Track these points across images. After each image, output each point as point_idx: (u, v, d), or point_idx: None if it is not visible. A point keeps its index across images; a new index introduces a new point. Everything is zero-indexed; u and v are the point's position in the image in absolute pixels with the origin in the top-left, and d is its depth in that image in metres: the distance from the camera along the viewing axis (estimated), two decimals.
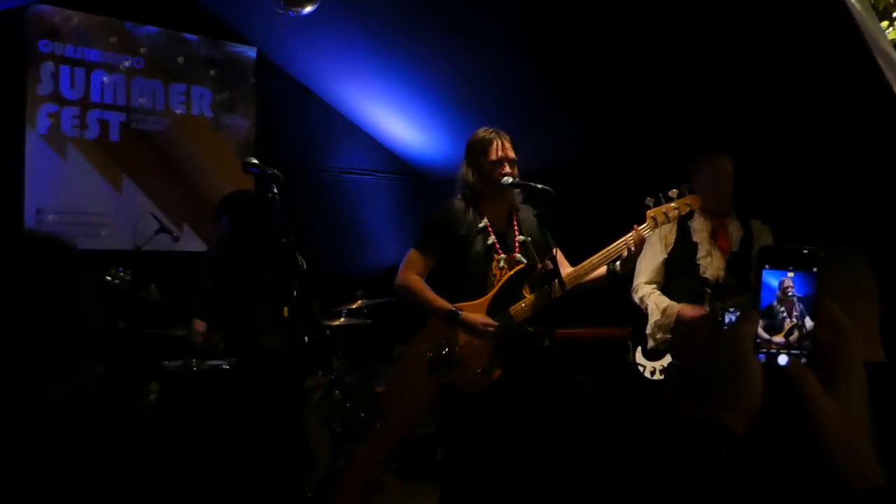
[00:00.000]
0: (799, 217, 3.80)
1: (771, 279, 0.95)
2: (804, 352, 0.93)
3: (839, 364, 0.91)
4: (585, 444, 0.99)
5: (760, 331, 0.94)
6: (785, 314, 0.95)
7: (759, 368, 0.92)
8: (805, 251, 0.94)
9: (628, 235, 3.03)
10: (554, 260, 3.00)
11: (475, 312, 3.04)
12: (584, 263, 3.08)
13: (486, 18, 4.57)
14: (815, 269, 0.94)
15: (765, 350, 0.94)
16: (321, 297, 4.53)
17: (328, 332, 4.36)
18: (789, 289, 0.94)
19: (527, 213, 3.24)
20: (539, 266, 3.13)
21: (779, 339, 0.94)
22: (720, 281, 3.37)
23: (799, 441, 0.91)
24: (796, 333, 0.94)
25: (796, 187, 4.14)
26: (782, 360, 0.93)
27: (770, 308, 0.95)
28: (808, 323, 0.94)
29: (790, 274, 0.94)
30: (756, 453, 0.93)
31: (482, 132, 3.18)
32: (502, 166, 3.09)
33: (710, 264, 3.39)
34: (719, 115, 4.47)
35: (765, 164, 4.21)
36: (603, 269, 3.07)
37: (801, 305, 0.94)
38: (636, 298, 3.51)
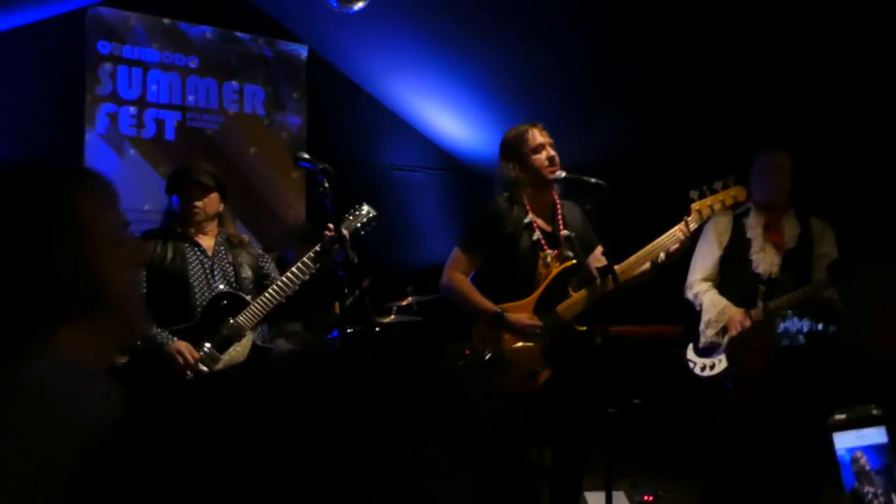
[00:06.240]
0: (864, 217, 3.67)
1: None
2: None
3: None
4: None
5: None
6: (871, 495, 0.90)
7: None
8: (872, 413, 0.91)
9: (676, 228, 2.97)
10: (608, 255, 2.94)
11: (521, 312, 2.99)
12: (633, 258, 3.02)
13: (536, 10, 4.52)
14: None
15: None
16: (372, 292, 4.55)
17: (378, 329, 4.36)
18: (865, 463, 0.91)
19: (571, 209, 3.18)
20: (584, 262, 3.08)
21: None
22: (773, 277, 3.29)
23: None
24: None
25: (863, 186, 4.00)
26: None
27: (854, 492, 0.92)
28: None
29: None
30: None
31: (512, 129, 3.15)
32: (544, 150, 3.05)
33: (763, 259, 3.32)
34: (777, 110, 4.34)
35: (831, 160, 4.08)
36: (648, 263, 3.01)
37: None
38: (690, 295, 3.44)
